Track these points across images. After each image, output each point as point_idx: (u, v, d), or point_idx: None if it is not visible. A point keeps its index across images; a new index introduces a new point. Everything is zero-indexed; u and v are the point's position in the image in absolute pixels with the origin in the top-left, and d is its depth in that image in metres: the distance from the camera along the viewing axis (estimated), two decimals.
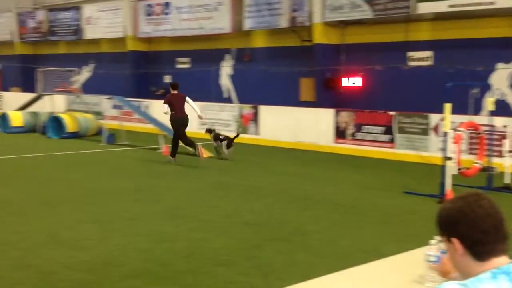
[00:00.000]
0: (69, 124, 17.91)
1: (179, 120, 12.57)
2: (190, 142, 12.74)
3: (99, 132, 18.49)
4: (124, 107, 18.88)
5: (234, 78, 20.09)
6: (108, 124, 17.41)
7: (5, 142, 16.62)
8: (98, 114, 20.33)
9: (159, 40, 22.37)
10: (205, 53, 20.80)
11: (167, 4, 21.00)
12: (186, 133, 12.83)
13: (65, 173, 11.36)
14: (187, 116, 12.74)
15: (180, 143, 12.83)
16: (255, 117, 17.30)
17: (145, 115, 17.97)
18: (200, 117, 13.41)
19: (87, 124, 18.52)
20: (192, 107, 12.98)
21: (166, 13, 21.01)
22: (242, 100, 19.31)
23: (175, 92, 12.87)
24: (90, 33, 24.31)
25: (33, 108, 20.77)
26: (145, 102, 20.63)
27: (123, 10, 22.54)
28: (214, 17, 19.36)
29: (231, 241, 6.59)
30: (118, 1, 23.00)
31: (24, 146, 15.73)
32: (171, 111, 12.50)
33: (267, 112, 17.11)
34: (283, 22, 17.29)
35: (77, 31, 24.76)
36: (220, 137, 13.89)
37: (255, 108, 17.35)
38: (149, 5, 21.72)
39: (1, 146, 15.55)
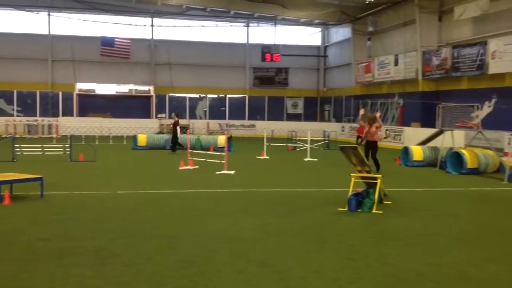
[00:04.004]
0: (469, 160, 17.69)
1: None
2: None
3: (499, 169, 17.72)
4: None
5: None
6: (511, 161, 16.49)
7: (406, 175, 17.55)
8: (499, 150, 19.50)
9: None
10: None
11: None
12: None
13: (468, 210, 11.25)
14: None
15: None
16: None
17: None
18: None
19: (487, 161, 17.95)
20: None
21: None
22: None
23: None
24: (494, 67, 23.67)
25: (433, 143, 21.35)
26: None
27: None
28: None
29: None
30: None
31: (424, 180, 16.30)
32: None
33: None
34: None
35: (481, 66, 24.43)
36: None
37: None
38: None
39: (402, 178, 16.49)
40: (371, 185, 11.28)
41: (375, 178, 11.10)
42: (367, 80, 35.56)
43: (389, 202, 11.53)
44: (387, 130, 31.25)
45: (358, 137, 28.80)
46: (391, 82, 32.99)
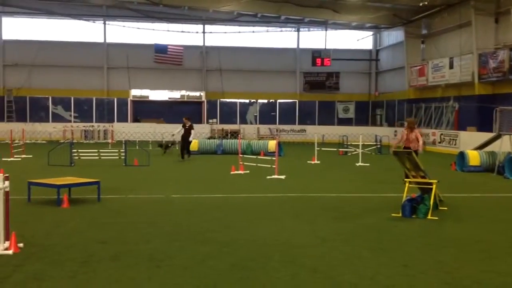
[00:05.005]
0: None
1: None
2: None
3: None
4: None
5: None
6: None
7: (462, 180, 17.08)
8: None
9: None
10: None
11: None
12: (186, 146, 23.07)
13: None
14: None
15: None
16: None
17: None
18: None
19: None
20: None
21: None
22: None
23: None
24: None
25: (490, 147, 20.71)
26: None
27: None
28: None
29: None
30: None
31: (481, 185, 15.83)
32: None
33: None
34: None
35: None
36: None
37: None
38: None
39: (458, 184, 16.05)
40: (426, 191, 11.05)
41: (430, 184, 10.86)
42: (420, 83, 34.87)
43: (445, 208, 11.26)
44: (441, 134, 30.53)
45: None
46: (446, 86, 32.23)
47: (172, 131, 34.75)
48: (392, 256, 7.46)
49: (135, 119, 39.47)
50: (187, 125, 23.27)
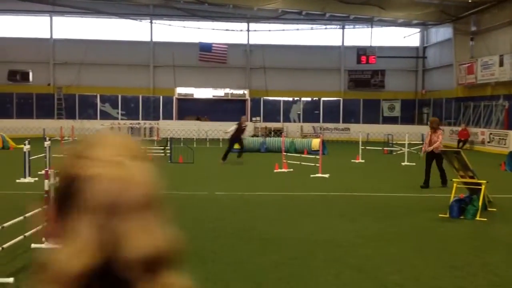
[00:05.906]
0: None
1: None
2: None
3: None
4: None
5: None
6: None
7: (511, 181, 16.61)
8: None
9: None
10: None
11: None
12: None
13: None
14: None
15: None
16: None
17: None
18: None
19: None
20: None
21: None
22: None
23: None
24: None
25: None
26: None
27: None
28: None
29: None
30: None
31: None
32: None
33: None
34: None
35: None
36: None
37: None
38: None
39: (508, 185, 15.58)
40: (475, 191, 10.79)
41: (479, 184, 10.60)
42: (469, 81, 34.01)
43: (494, 209, 10.97)
44: (491, 134, 29.73)
45: (459, 141, 27.81)
46: (496, 84, 31.34)
47: (216, 128, 35.20)
48: (439, 257, 7.32)
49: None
50: (243, 125, 21.84)
